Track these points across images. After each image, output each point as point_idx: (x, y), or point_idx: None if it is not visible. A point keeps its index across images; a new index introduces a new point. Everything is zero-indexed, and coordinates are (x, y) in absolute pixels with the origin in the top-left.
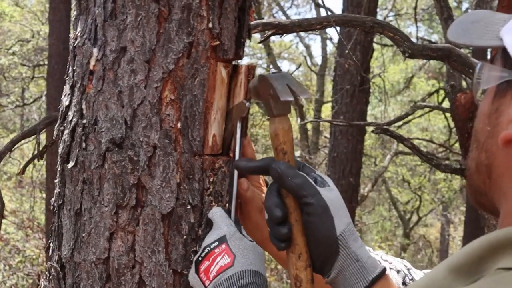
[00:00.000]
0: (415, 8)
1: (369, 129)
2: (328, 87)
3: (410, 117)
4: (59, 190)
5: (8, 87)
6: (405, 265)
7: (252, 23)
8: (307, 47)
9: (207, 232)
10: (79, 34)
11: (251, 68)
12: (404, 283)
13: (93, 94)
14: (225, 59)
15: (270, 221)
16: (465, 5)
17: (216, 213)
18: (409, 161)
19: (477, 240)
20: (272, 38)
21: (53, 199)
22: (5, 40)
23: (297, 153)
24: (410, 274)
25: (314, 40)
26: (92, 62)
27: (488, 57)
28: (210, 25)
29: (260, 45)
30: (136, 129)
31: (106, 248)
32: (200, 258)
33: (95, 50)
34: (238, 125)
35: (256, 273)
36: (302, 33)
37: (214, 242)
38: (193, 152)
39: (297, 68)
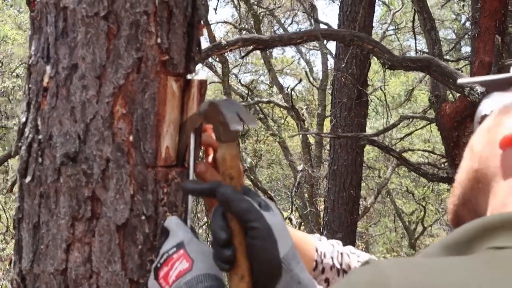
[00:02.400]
0: (413, 21)
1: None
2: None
3: (411, 129)
4: (19, 204)
5: (14, 110)
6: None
7: (232, 39)
8: (308, 62)
9: (163, 241)
10: (33, 53)
11: (203, 83)
12: None
13: (48, 110)
14: (175, 73)
15: (215, 243)
16: (463, 17)
17: (172, 222)
18: (413, 172)
19: (471, 222)
20: (274, 54)
21: (13, 213)
22: (9, 63)
23: (300, 167)
24: None
25: (315, 56)
26: (46, 79)
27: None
28: (159, 40)
29: (262, 61)
30: (89, 143)
31: (64, 259)
32: (158, 265)
33: (48, 68)
34: (192, 136)
35: (214, 277)
36: (303, 49)
37: (172, 248)
38: (145, 164)
39: (298, 83)
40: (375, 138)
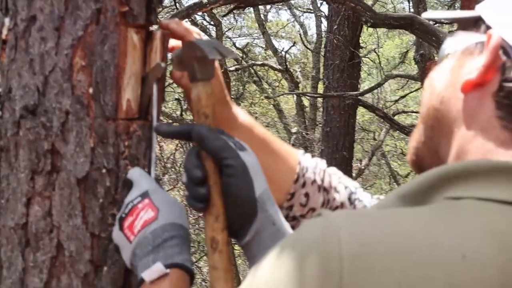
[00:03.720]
0: None
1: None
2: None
3: (406, 91)
4: None
5: None
6: (354, 185)
7: None
8: (302, 25)
9: (126, 193)
10: None
11: (166, 35)
12: (349, 199)
13: (7, 63)
14: (136, 24)
15: (189, 182)
16: None
17: (136, 172)
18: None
19: (427, 172)
20: (269, 17)
21: None
22: None
23: (294, 129)
24: (357, 193)
25: (309, 19)
26: (5, 32)
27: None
28: None
29: (257, 25)
30: (49, 95)
31: (24, 213)
32: (123, 215)
33: (6, 20)
34: (155, 87)
35: (180, 226)
36: (297, 12)
37: (136, 197)
38: (106, 117)
39: (292, 45)
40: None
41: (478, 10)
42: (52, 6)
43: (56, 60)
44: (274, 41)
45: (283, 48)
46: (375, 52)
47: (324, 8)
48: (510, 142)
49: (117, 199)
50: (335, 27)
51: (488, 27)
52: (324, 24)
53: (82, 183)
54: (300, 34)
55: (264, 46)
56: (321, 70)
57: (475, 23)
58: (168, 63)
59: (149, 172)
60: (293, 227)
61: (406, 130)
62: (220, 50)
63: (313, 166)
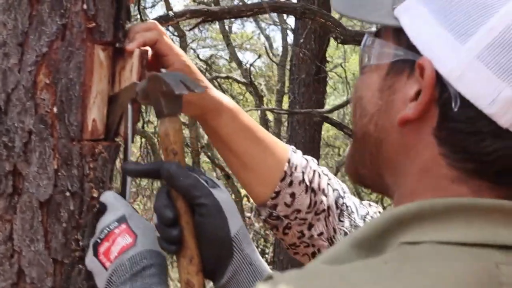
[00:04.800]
0: None
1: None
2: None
3: None
4: None
5: None
6: (342, 188)
7: (179, 10)
8: (268, 37)
9: (92, 217)
10: None
11: (144, 53)
12: (336, 203)
13: None
14: (103, 41)
15: (160, 223)
16: None
17: (110, 196)
18: None
19: (379, 216)
20: (234, 29)
21: None
22: None
23: None
24: (345, 197)
25: (275, 31)
26: None
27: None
28: (85, 6)
29: (221, 36)
30: (11, 114)
31: None
32: (98, 240)
33: None
34: (129, 107)
35: (158, 253)
36: (263, 24)
37: (113, 222)
38: (70, 138)
39: (257, 58)
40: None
41: (399, 17)
42: (15, 20)
43: (19, 77)
44: (238, 53)
45: (248, 61)
46: (341, 66)
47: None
48: (460, 179)
49: (81, 224)
50: (302, 40)
51: (412, 46)
52: (290, 37)
53: (45, 206)
54: (265, 47)
55: (228, 58)
56: (286, 84)
57: (395, 33)
58: None
59: (123, 195)
60: (275, 227)
61: None
62: (187, 84)
63: (304, 165)
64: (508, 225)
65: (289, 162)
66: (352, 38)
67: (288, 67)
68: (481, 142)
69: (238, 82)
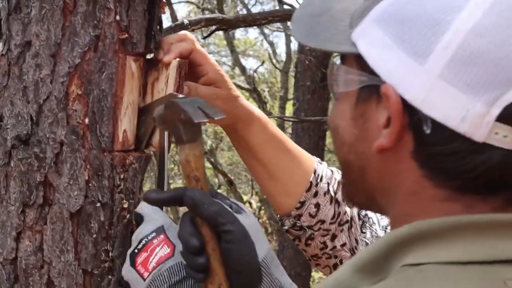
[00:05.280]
0: None
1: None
2: (292, 83)
3: None
4: None
5: None
6: None
7: (194, 18)
8: (271, 44)
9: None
10: None
11: (182, 64)
12: (358, 215)
13: None
14: (135, 52)
15: (186, 252)
16: None
17: (147, 207)
18: None
19: (380, 239)
20: (237, 35)
21: None
22: None
23: None
24: None
25: (279, 38)
26: None
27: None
28: (118, 17)
29: (225, 42)
30: (42, 125)
31: (14, 248)
32: (136, 251)
33: (0, 45)
34: None
35: None
36: (266, 30)
37: (151, 233)
38: (101, 149)
39: (261, 65)
40: None
41: (356, 43)
42: (48, 31)
43: (51, 88)
44: (242, 60)
45: (251, 67)
46: None
47: None
48: (451, 197)
49: (110, 234)
50: (307, 47)
51: (373, 72)
52: (294, 43)
53: (75, 217)
54: (269, 53)
55: (231, 64)
56: (290, 90)
57: (357, 58)
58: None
59: (160, 206)
60: (298, 237)
61: None
62: (205, 110)
63: (328, 176)
64: None
65: (314, 172)
66: None
67: (291, 73)
68: (460, 161)
69: (242, 88)
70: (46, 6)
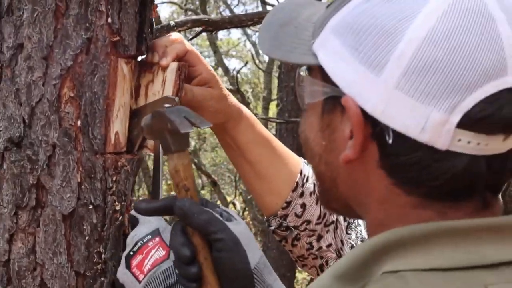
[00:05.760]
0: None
1: None
2: (275, 84)
3: None
4: None
5: None
6: None
7: (181, 20)
8: (254, 44)
9: (121, 231)
10: None
11: (182, 66)
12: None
13: None
14: (126, 55)
15: (178, 262)
16: None
17: None
18: None
19: (359, 246)
20: (219, 35)
21: None
22: None
23: None
24: None
25: None
26: None
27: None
28: (110, 20)
29: (207, 43)
30: (35, 127)
31: (6, 250)
32: (131, 253)
33: None
34: None
35: None
36: (249, 31)
37: (146, 235)
38: (94, 151)
39: (244, 65)
40: None
41: (316, 53)
42: (40, 34)
43: (43, 91)
44: (225, 60)
45: (235, 68)
46: None
47: None
48: (422, 204)
49: (103, 237)
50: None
51: (335, 83)
52: None
53: (68, 219)
54: (252, 54)
55: (214, 65)
56: (273, 90)
57: (321, 69)
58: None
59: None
60: (284, 238)
61: None
62: (191, 120)
63: (315, 177)
64: (493, 242)
65: (301, 173)
66: None
67: (275, 74)
68: (425, 169)
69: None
70: (38, 9)
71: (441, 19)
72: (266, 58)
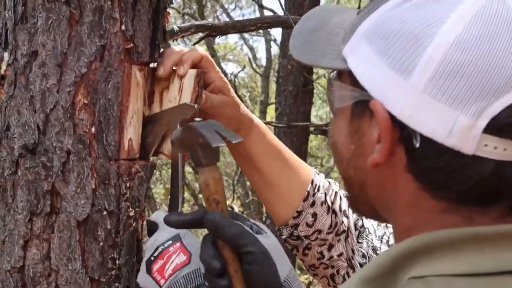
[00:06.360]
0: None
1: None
2: (273, 88)
3: None
4: None
5: None
6: None
7: (185, 25)
8: (252, 48)
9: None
10: None
11: (201, 74)
12: (355, 225)
13: (5, 99)
14: (140, 61)
15: (209, 274)
16: None
17: (161, 215)
18: None
19: (386, 251)
20: (217, 40)
21: None
22: None
23: None
24: (363, 219)
25: (258, 42)
26: (3, 67)
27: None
28: (123, 27)
29: (205, 47)
30: (49, 134)
31: (21, 256)
32: (152, 258)
33: (6, 55)
34: (178, 127)
35: None
36: (246, 35)
37: (167, 241)
38: (108, 157)
39: (242, 70)
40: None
41: (346, 58)
42: (55, 41)
43: (58, 98)
44: (222, 64)
45: (232, 72)
46: (324, 77)
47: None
48: (450, 209)
49: (117, 242)
50: (290, 52)
51: (364, 88)
52: (274, 48)
53: (82, 225)
54: (249, 58)
55: None
56: (270, 95)
57: (350, 74)
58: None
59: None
60: (295, 247)
61: None
62: (223, 134)
63: (326, 186)
64: None
65: (312, 182)
66: None
67: (272, 78)
68: (452, 174)
69: None
70: (53, 16)
71: (470, 25)
72: (264, 62)
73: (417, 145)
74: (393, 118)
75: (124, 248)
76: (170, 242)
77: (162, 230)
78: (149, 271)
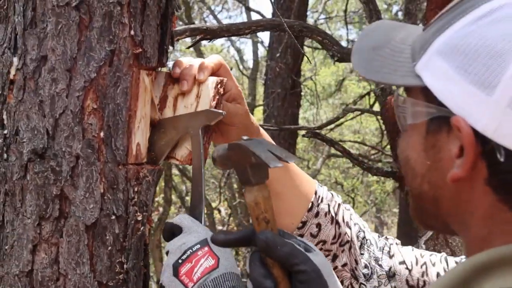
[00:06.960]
0: (345, 11)
1: (301, 132)
2: (260, 90)
3: (342, 120)
4: None
5: None
6: (363, 224)
7: (179, 28)
8: (239, 50)
9: (174, 238)
10: None
11: (221, 82)
12: (357, 237)
13: (14, 104)
14: (148, 66)
15: None
16: (395, 8)
17: (187, 219)
18: (342, 163)
19: (461, 263)
20: (203, 42)
21: None
22: None
23: None
24: (365, 231)
25: (245, 44)
26: (13, 72)
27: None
28: (132, 32)
29: (191, 48)
30: (58, 139)
31: (30, 260)
32: (180, 261)
33: (15, 59)
34: (200, 133)
35: (238, 276)
36: (233, 37)
37: (196, 244)
38: (116, 162)
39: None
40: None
41: (420, 75)
42: (64, 46)
43: (67, 102)
44: None
45: None
46: (311, 79)
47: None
48: None
49: (125, 247)
50: (278, 54)
51: (441, 104)
52: (261, 50)
53: (90, 229)
54: (236, 60)
55: None
56: (257, 97)
57: (423, 90)
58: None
59: (200, 219)
60: None
61: (365, 165)
62: (277, 154)
63: (329, 198)
64: None
65: (315, 193)
66: (349, 56)
67: (260, 80)
68: None
69: None
70: (62, 21)
71: None
72: (250, 65)
73: (502, 159)
74: (475, 133)
75: (131, 252)
76: (199, 246)
77: (188, 234)
78: (176, 273)
